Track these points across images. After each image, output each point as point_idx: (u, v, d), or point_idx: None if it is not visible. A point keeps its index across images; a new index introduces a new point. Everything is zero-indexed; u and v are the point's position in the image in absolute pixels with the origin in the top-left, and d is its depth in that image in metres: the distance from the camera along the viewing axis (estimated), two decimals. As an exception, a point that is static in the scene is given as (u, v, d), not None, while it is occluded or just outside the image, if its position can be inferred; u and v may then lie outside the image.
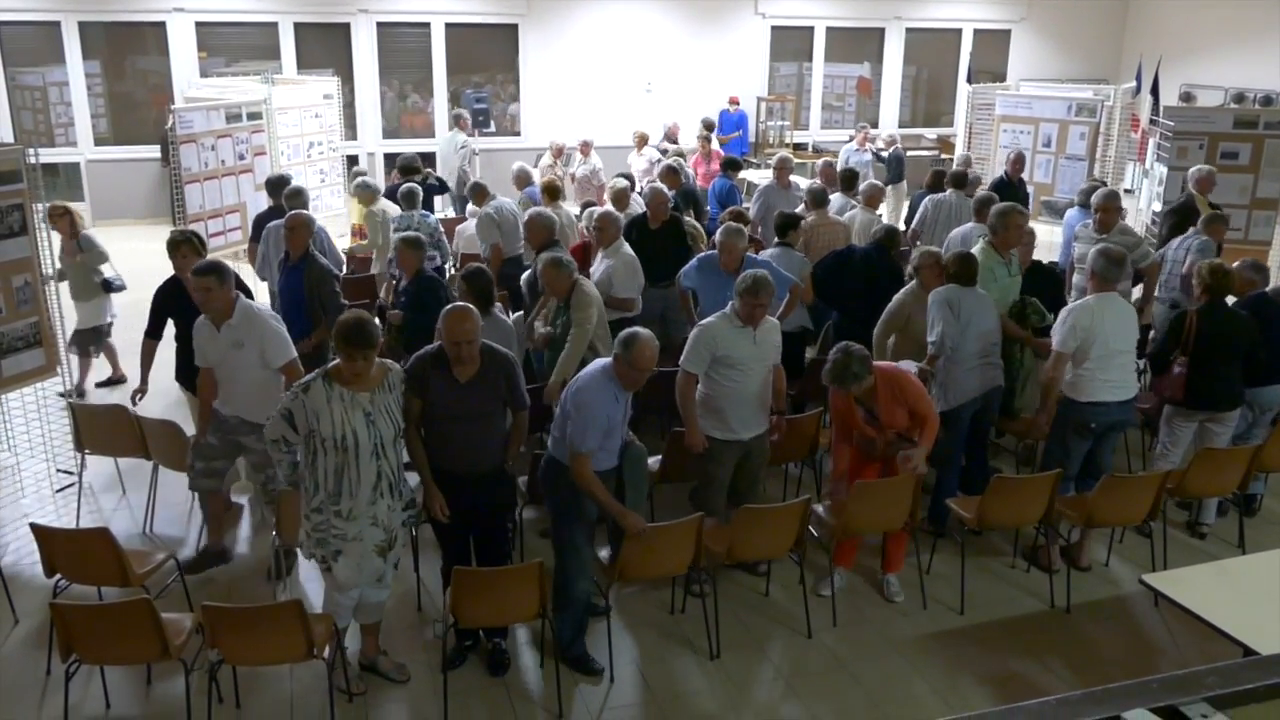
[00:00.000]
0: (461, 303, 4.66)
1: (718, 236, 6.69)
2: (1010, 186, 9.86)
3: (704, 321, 5.30)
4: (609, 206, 7.92)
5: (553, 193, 8.67)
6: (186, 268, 5.63)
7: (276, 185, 8.35)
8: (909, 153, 14.32)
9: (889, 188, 12.09)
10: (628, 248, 6.96)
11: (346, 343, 4.06)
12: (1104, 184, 8.92)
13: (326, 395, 4.12)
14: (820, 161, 10.93)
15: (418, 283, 6.42)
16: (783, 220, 7.21)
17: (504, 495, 4.78)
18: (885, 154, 13.24)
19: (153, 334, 5.95)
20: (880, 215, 8.95)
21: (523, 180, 9.98)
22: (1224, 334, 5.65)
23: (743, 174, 11.96)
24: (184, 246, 5.90)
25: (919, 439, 5.04)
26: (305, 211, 6.86)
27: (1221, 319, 5.70)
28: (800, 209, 8.16)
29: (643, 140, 12.81)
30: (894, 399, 5.02)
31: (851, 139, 13.62)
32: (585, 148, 12.62)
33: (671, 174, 9.33)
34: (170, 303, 5.90)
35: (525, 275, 6.80)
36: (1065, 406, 5.56)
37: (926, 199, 9.33)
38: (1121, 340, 5.47)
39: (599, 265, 6.90)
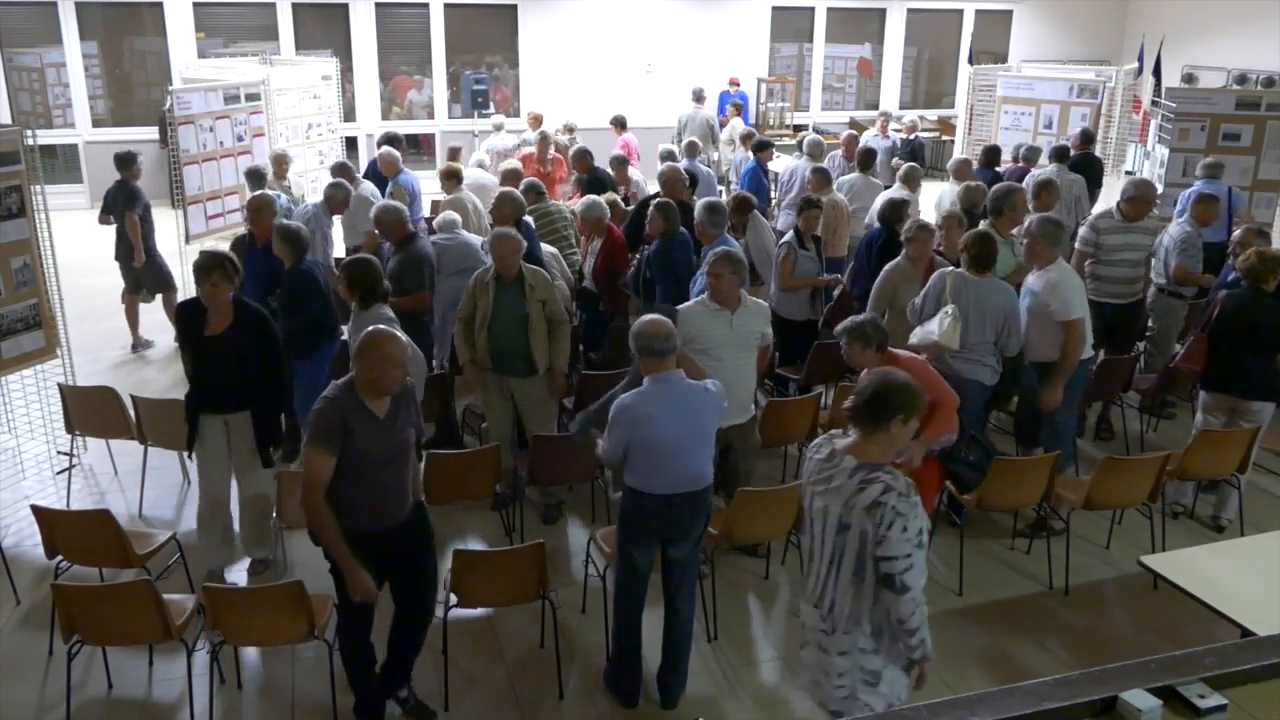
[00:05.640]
0: (384, 326, 3.93)
1: (696, 217, 6.65)
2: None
3: (681, 306, 5.25)
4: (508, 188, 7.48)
5: (456, 177, 8.38)
6: (216, 295, 4.88)
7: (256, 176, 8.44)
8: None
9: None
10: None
11: None
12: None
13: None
14: (845, 134, 10.88)
15: (293, 277, 5.63)
16: (805, 202, 7.13)
17: (426, 530, 4.14)
18: (909, 139, 12.98)
19: None
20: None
21: (390, 165, 8.88)
22: (1246, 317, 5.56)
23: (739, 154, 11.84)
24: (215, 273, 4.89)
25: (925, 430, 4.64)
26: (268, 193, 6.85)
27: (1245, 302, 5.60)
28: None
29: (536, 121, 12.03)
30: None
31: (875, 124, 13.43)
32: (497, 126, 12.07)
33: (581, 158, 9.16)
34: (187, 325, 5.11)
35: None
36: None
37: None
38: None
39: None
